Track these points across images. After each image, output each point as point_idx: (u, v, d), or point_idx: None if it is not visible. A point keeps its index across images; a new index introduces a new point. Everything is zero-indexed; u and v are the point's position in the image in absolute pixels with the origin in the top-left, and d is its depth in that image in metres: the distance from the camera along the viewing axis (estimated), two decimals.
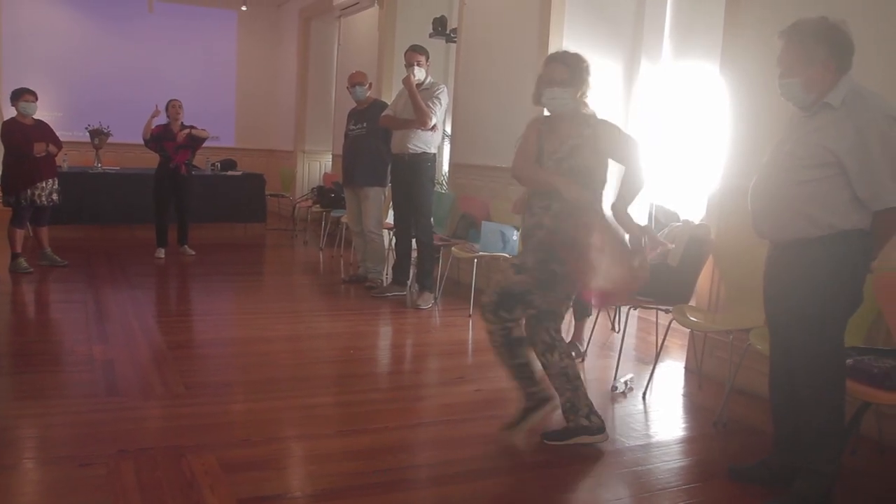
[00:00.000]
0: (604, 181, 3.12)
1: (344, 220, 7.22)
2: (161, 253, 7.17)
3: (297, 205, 9.65)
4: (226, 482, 2.60)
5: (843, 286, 2.51)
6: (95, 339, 4.33)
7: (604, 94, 5.47)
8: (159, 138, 7.17)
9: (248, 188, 9.45)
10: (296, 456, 2.97)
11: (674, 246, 3.30)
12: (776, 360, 2.75)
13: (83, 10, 10.89)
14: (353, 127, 6.11)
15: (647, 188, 3.23)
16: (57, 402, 3.35)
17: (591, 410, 3.10)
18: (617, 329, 4.98)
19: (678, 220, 4.72)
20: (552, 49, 5.49)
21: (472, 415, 3.45)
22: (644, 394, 3.80)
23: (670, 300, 3.80)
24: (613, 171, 3.16)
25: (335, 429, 3.22)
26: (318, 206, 8.53)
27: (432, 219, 5.77)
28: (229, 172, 9.64)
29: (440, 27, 7.69)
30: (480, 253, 5.32)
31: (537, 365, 3.16)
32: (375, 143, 5.90)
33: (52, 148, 6.17)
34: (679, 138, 5.49)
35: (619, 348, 4.20)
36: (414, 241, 5.76)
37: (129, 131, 8.48)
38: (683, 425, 3.58)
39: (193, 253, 7.35)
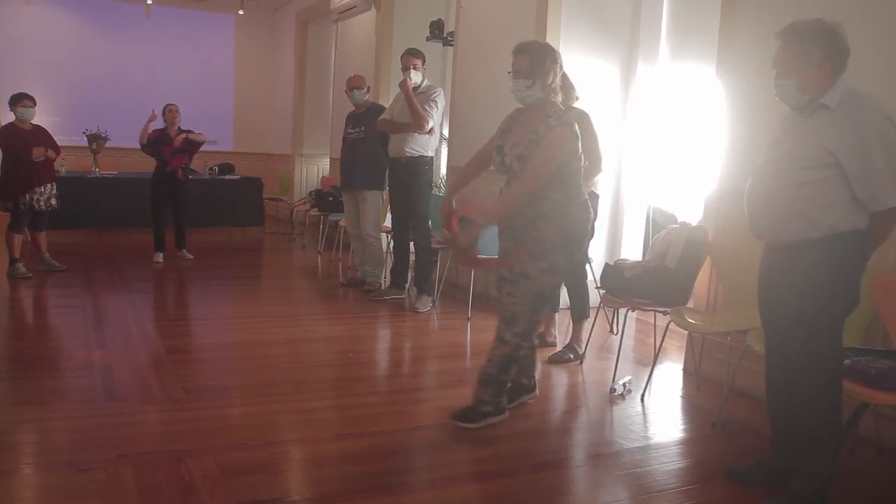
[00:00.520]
0: (570, 173, 3.15)
1: (342, 223, 7.23)
2: (159, 257, 7.17)
3: (295, 208, 9.65)
4: (224, 486, 2.60)
5: (840, 287, 2.51)
6: (94, 344, 4.33)
7: (601, 96, 5.54)
8: (156, 143, 7.16)
9: (246, 192, 9.46)
10: (294, 459, 2.97)
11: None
12: (773, 362, 2.75)
13: (81, 15, 10.90)
14: (352, 130, 6.12)
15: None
16: (55, 407, 3.35)
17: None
18: (615, 331, 4.99)
19: (675, 221, 4.72)
20: None
21: None
22: (642, 395, 3.81)
23: (668, 302, 3.80)
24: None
25: (333, 432, 3.22)
26: (315, 209, 8.54)
27: (430, 222, 5.78)
28: (227, 176, 9.65)
29: (437, 30, 7.71)
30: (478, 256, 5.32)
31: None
32: (373, 147, 5.91)
33: (50, 153, 6.17)
34: (676, 140, 5.50)
35: (617, 350, 4.21)
36: (412, 244, 5.77)
37: (126, 136, 8.49)
38: (682, 427, 3.58)
39: (191, 257, 7.35)
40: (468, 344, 4.86)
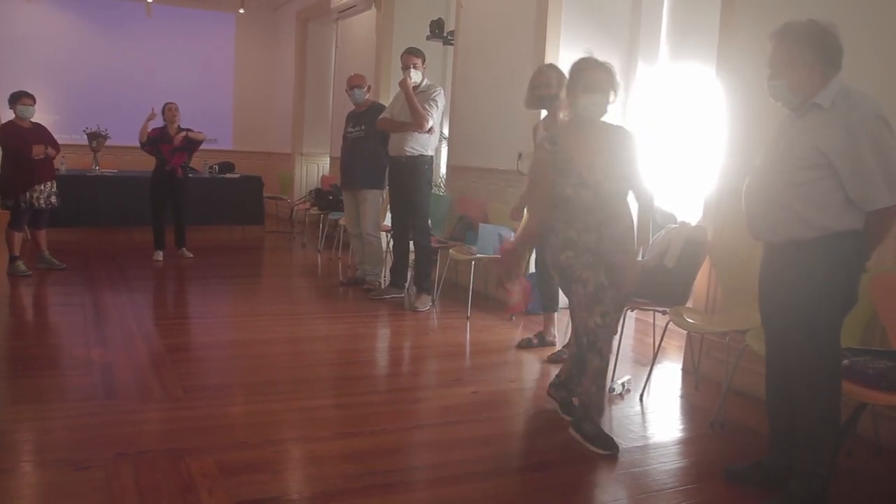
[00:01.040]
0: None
1: (342, 222, 7.23)
2: (159, 256, 7.17)
3: (295, 207, 9.66)
4: (224, 485, 2.60)
5: (838, 287, 2.52)
6: (94, 343, 4.34)
7: None
8: (156, 141, 7.17)
9: (246, 191, 9.46)
10: (294, 458, 2.97)
11: None
12: (772, 362, 2.76)
13: (81, 13, 10.89)
14: (352, 129, 6.12)
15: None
16: (55, 405, 3.35)
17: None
18: (614, 331, 4.98)
19: (675, 221, 4.72)
20: (549, 51, 5.52)
21: (469, 417, 3.46)
22: (641, 395, 3.81)
23: (667, 302, 3.81)
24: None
25: (333, 431, 3.23)
26: (315, 208, 8.54)
27: (430, 221, 5.78)
28: (227, 175, 9.65)
29: (437, 29, 7.71)
30: (478, 255, 5.34)
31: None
32: (374, 146, 5.91)
33: (50, 151, 6.18)
34: (676, 140, 5.50)
35: (616, 350, 4.21)
36: (412, 243, 5.77)
37: (126, 134, 8.49)
38: (680, 426, 3.59)
39: (191, 256, 7.36)
40: (468, 343, 4.86)
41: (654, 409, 3.69)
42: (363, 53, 8.77)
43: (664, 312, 3.82)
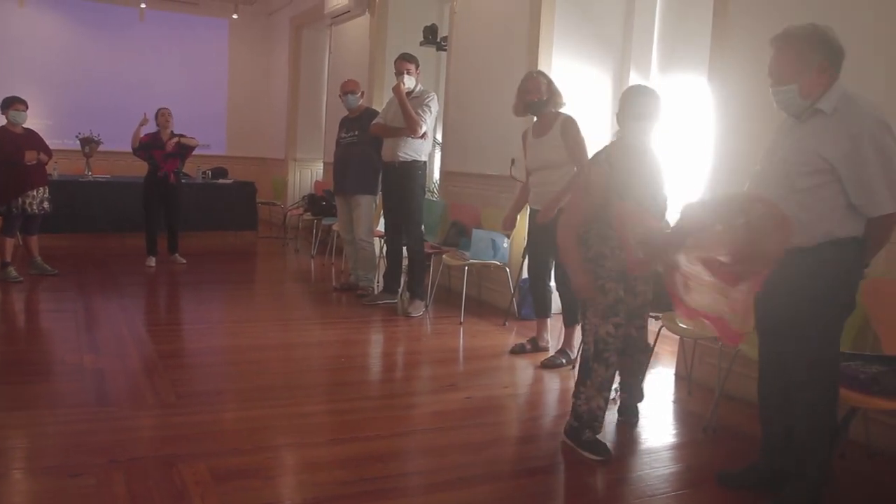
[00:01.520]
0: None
1: (335, 228, 7.22)
2: (151, 261, 7.15)
3: (289, 213, 9.65)
4: (217, 491, 2.60)
5: (838, 293, 2.52)
6: (86, 349, 4.32)
7: (592, 104, 5.57)
8: (148, 147, 7.16)
9: (239, 196, 9.44)
10: (287, 464, 2.96)
11: None
12: (766, 367, 2.76)
13: (74, 18, 10.87)
14: (345, 135, 6.12)
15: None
16: (47, 411, 3.33)
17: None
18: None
19: (668, 228, 4.73)
20: (542, 58, 5.54)
21: (463, 422, 3.46)
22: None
23: (660, 307, 3.81)
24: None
25: (326, 437, 3.22)
26: (309, 214, 8.53)
27: (423, 227, 5.78)
28: (220, 181, 9.62)
29: (431, 35, 7.73)
30: (471, 261, 5.35)
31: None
32: (367, 151, 5.91)
33: (42, 156, 6.16)
34: (667, 148, 5.51)
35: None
36: (405, 248, 5.78)
37: (119, 140, 8.44)
38: (673, 431, 3.60)
39: (184, 261, 7.34)
40: (461, 348, 4.86)
41: (647, 414, 3.69)
42: (357, 59, 8.79)
43: (657, 318, 3.83)
